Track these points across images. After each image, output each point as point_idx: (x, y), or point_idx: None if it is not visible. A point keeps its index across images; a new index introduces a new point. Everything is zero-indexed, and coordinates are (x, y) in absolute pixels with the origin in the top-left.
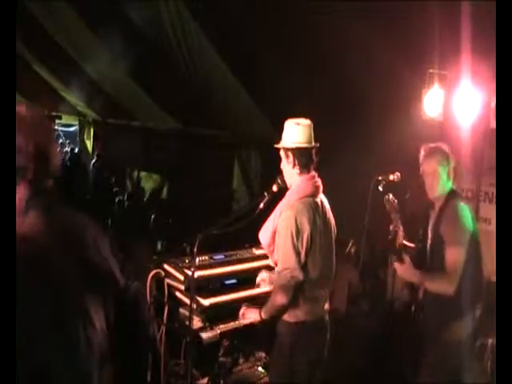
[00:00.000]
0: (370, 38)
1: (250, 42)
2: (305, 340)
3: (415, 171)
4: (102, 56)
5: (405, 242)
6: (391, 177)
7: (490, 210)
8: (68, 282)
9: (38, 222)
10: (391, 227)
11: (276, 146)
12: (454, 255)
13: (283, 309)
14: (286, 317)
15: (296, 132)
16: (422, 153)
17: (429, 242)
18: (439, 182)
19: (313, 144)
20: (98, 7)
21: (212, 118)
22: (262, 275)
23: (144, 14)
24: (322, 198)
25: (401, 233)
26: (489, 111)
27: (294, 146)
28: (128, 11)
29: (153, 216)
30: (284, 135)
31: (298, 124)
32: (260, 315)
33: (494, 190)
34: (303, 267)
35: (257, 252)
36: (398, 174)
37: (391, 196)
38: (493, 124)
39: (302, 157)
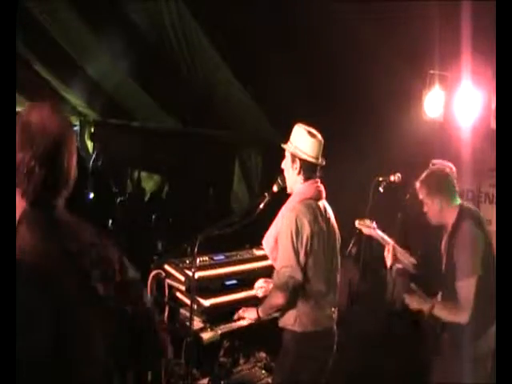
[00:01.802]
0: (371, 38)
1: (251, 41)
2: (311, 350)
3: (416, 172)
4: (103, 56)
5: (397, 265)
6: (392, 178)
7: (490, 211)
8: (68, 303)
9: (28, 240)
10: (386, 253)
11: (285, 147)
12: (468, 285)
13: (280, 309)
14: (292, 325)
15: (309, 143)
16: (418, 184)
17: (443, 265)
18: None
19: (320, 160)
20: (99, 7)
21: (212, 118)
22: (259, 283)
23: (144, 14)
24: (325, 203)
25: (394, 253)
26: (489, 112)
27: (304, 157)
28: (128, 11)
29: (153, 216)
30: (294, 140)
31: (313, 136)
32: (257, 313)
33: (494, 190)
34: (303, 268)
35: (257, 253)
36: (399, 174)
37: (367, 221)
38: (493, 125)
39: (308, 169)
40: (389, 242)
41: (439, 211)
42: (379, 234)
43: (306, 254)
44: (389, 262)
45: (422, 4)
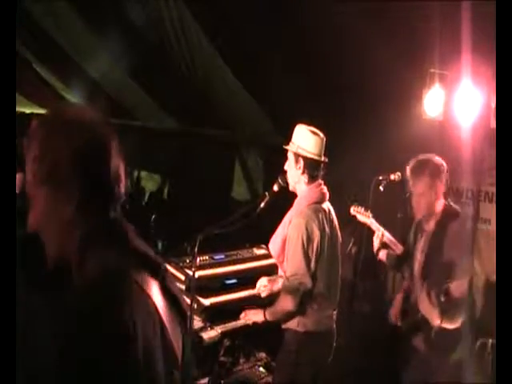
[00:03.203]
0: (371, 37)
1: (251, 41)
2: (311, 349)
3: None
4: (102, 56)
5: (384, 250)
6: (392, 176)
7: (489, 210)
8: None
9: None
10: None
11: (287, 148)
12: (465, 286)
13: (289, 315)
14: (295, 326)
15: (311, 141)
16: (409, 169)
17: (420, 263)
18: (430, 200)
19: (323, 158)
20: (98, 7)
21: (212, 118)
22: (262, 281)
23: (144, 14)
24: (329, 205)
25: (382, 239)
26: (489, 111)
27: (307, 155)
28: (128, 11)
29: (153, 216)
30: (296, 139)
31: (315, 134)
32: (264, 316)
33: (493, 189)
34: (312, 274)
35: (257, 252)
36: (399, 173)
37: (362, 209)
38: (493, 124)
39: (312, 167)
40: (380, 228)
41: (432, 202)
42: (373, 222)
43: (316, 260)
44: (376, 244)
45: (422, 4)
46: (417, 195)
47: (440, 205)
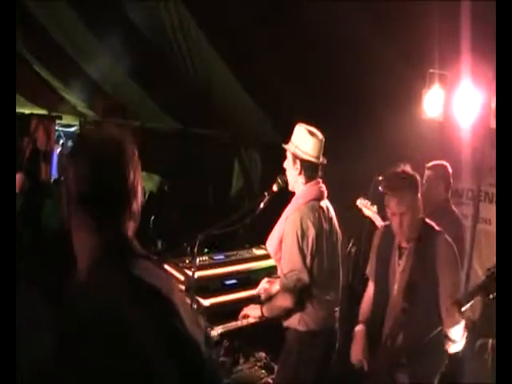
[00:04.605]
0: (371, 37)
1: (250, 41)
2: (313, 348)
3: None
4: (102, 56)
5: None
6: None
7: (490, 210)
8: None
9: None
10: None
11: (286, 148)
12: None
13: (287, 311)
14: (296, 325)
15: (309, 143)
16: (385, 185)
17: (401, 285)
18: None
19: (321, 160)
20: (98, 7)
21: (212, 118)
22: (262, 283)
23: (144, 14)
24: (327, 203)
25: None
26: (489, 111)
27: (304, 157)
28: (128, 11)
29: (153, 216)
30: (295, 140)
31: (313, 135)
32: (261, 312)
33: (493, 189)
34: (309, 270)
35: (257, 252)
36: None
37: (369, 203)
38: (493, 124)
39: (309, 169)
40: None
41: (416, 222)
42: (378, 218)
43: (312, 256)
44: None
45: (421, 4)
46: (398, 215)
47: (420, 222)
